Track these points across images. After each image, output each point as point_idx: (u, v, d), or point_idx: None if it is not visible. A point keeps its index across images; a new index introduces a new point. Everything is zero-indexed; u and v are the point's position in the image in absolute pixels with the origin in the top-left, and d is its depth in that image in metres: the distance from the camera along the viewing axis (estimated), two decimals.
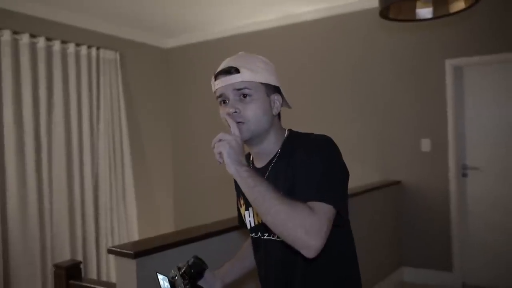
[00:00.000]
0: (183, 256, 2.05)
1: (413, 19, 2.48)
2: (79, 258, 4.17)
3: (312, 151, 1.11)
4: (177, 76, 5.51)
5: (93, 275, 4.24)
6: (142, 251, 1.88)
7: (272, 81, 1.19)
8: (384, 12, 2.40)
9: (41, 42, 3.98)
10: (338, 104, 4.47)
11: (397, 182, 4.12)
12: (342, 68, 4.45)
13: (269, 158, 1.22)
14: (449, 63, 3.94)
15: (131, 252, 1.84)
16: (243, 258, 1.44)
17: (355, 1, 4.25)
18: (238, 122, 1.13)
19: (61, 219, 4.08)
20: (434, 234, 4.03)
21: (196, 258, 1.27)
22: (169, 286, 1.22)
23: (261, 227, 1.23)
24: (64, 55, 4.21)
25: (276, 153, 1.21)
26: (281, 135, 1.23)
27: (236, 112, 1.14)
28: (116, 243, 4.53)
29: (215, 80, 1.19)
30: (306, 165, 1.09)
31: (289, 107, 1.28)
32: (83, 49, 4.36)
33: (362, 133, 4.29)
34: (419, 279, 4.07)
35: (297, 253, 1.01)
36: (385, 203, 3.98)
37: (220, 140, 1.04)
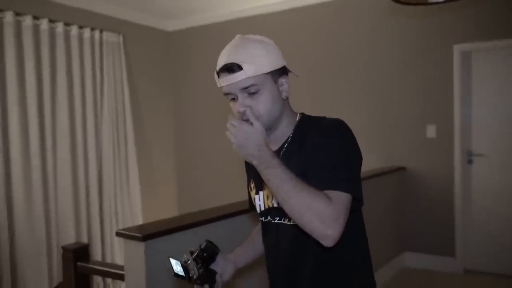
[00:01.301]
0: (191, 239, 2.06)
1: (425, 3, 2.44)
2: (84, 240, 4.20)
3: (327, 136, 1.09)
4: (181, 59, 5.46)
5: (98, 258, 4.28)
6: (150, 234, 1.89)
7: (276, 64, 1.14)
8: None
9: (44, 24, 3.93)
10: (344, 89, 4.44)
11: (402, 168, 4.12)
12: (348, 53, 4.40)
13: (281, 142, 1.20)
14: (457, 48, 3.89)
15: (140, 235, 1.85)
16: (254, 242, 1.44)
17: None
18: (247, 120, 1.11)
19: (66, 202, 4.09)
20: (438, 220, 4.04)
21: (208, 241, 1.26)
22: (182, 270, 1.22)
23: (272, 210, 1.22)
24: (67, 37, 4.16)
25: (288, 137, 1.19)
26: (293, 118, 1.21)
27: (245, 110, 1.11)
28: (120, 226, 4.55)
29: (218, 77, 1.16)
30: (320, 150, 1.07)
31: (296, 75, 1.26)
32: (86, 32, 4.32)
33: (368, 119, 4.27)
34: (421, 264, 4.10)
35: (309, 237, 1.01)
36: (389, 189, 3.98)
37: (229, 128, 1.04)
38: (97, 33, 4.42)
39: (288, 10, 4.64)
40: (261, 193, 1.26)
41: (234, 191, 5.01)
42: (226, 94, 1.15)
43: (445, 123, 3.97)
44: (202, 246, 1.25)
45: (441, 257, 4.02)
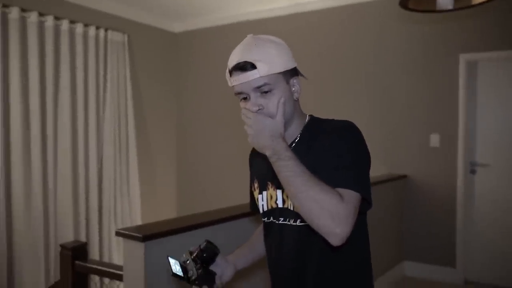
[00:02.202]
0: (192, 241, 2.03)
1: (433, 10, 2.43)
2: (82, 239, 4.17)
3: (337, 137, 1.09)
4: (185, 61, 5.45)
5: (96, 257, 4.24)
6: (151, 235, 1.86)
7: (288, 64, 1.13)
8: (404, 2, 2.35)
9: (49, 20, 3.92)
10: (347, 94, 4.42)
11: (404, 176, 4.09)
12: (353, 58, 4.39)
13: (289, 142, 1.18)
14: (463, 58, 3.88)
15: (140, 235, 1.82)
16: (255, 244, 1.42)
17: None
18: None
19: (65, 200, 4.06)
20: (439, 230, 4.01)
21: (208, 242, 1.24)
22: (180, 270, 1.20)
23: (275, 211, 1.21)
24: (72, 35, 4.15)
25: (296, 137, 1.19)
26: (302, 119, 1.21)
27: (260, 109, 1.10)
28: (119, 226, 4.52)
29: (230, 76, 1.15)
30: (331, 151, 1.07)
31: (305, 78, 1.25)
32: (91, 30, 4.31)
33: (371, 125, 4.24)
34: (421, 274, 4.06)
35: (314, 239, 1.00)
36: (390, 197, 3.95)
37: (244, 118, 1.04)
38: (102, 32, 4.42)
39: (294, 14, 4.63)
40: (264, 193, 1.25)
41: (235, 194, 4.99)
42: (238, 93, 1.14)
43: (449, 132, 3.95)
44: (202, 246, 1.23)
45: (441, 267, 3.99)
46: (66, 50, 4.07)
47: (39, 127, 3.85)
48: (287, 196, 1.17)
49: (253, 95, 1.11)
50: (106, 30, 4.47)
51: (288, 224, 1.17)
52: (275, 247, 1.24)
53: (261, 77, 1.08)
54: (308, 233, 1.02)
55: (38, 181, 3.83)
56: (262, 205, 1.26)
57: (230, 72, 1.14)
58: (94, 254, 4.25)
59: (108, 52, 4.50)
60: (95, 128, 4.35)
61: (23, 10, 3.74)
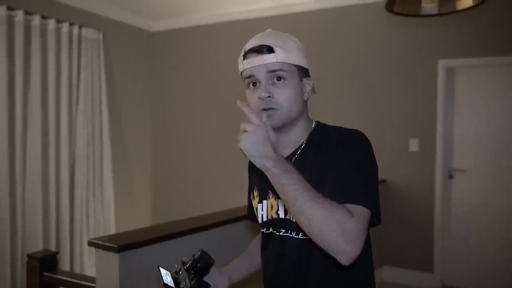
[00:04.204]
0: (171, 251, 1.93)
1: (418, 14, 2.40)
2: (52, 248, 3.96)
3: (349, 147, 1.04)
4: (162, 61, 5.31)
5: (66, 267, 4.04)
6: (126, 245, 1.76)
7: (303, 62, 1.11)
8: (390, 6, 2.31)
9: (19, 15, 3.73)
10: (327, 97, 4.38)
11: (383, 181, 4.08)
12: (335, 61, 4.36)
13: (294, 148, 1.13)
14: (441, 63, 3.90)
15: (115, 246, 1.71)
16: (253, 255, 1.34)
17: None
18: (270, 108, 1.04)
19: (34, 206, 3.84)
20: (417, 235, 4.01)
21: (203, 251, 1.17)
22: (172, 281, 1.12)
23: (276, 222, 1.14)
24: (43, 31, 3.96)
25: (302, 144, 1.12)
26: (309, 124, 1.15)
27: (269, 97, 1.04)
28: (92, 234, 4.33)
29: (244, 59, 1.10)
30: (341, 160, 1.01)
31: (313, 91, 1.19)
32: (65, 26, 4.12)
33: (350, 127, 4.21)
34: (399, 279, 4.06)
35: (317, 253, 0.94)
36: None
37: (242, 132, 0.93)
38: (76, 29, 4.23)
39: (277, 16, 4.57)
40: (264, 202, 1.18)
41: (212, 199, 4.89)
42: (248, 77, 1.08)
43: (428, 137, 3.96)
44: (196, 256, 1.16)
45: (419, 272, 4.00)
46: (37, 46, 3.87)
47: (6, 127, 3.64)
48: None
49: (264, 81, 1.05)
50: (80, 26, 4.29)
51: (290, 236, 1.11)
52: (273, 260, 1.16)
53: (277, 62, 1.04)
54: (311, 246, 0.96)
55: (4, 184, 3.62)
56: (262, 215, 1.19)
57: (244, 56, 1.10)
58: (64, 264, 4.05)
59: (82, 50, 4.31)
60: (67, 129, 4.15)
61: None
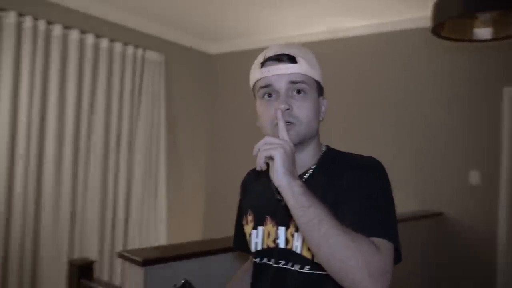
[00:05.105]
0: (196, 268, 1.95)
1: (469, 39, 2.27)
2: (106, 257, 4.19)
3: (369, 174, 0.95)
4: (221, 83, 5.48)
5: (118, 277, 4.22)
6: (152, 259, 1.80)
7: (321, 78, 1.05)
8: (437, 30, 2.22)
9: (89, 38, 4.06)
10: (378, 123, 4.23)
11: (439, 214, 3.82)
12: (386, 86, 4.22)
13: (301, 172, 1.03)
14: (507, 91, 3.63)
15: (140, 260, 1.76)
16: (242, 286, 1.25)
17: (407, 19, 4.04)
18: (288, 122, 0.95)
19: (92, 216, 4.11)
20: (476, 275, 3.68)
21: (186, 281, 1.14)
22: None
23: (273, 252, 1.04)
24: (110, 53, 4.27)
25: (310, 168, 1.03)
26: (319, 148, 1.07)
27: (288, 109, 0.95)
28: (144, 243, 4.51)
29: (261, 67, 1.02)
30: (360, 189, 0.92)
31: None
32: (130, 49, 4.42)
33: (400, 156, 4.01)
34: None
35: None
36: (422, 236, 3.68)
37: (268, 143, 0.86)
38: (140, 51, 4.53)
39: (330, 40, 4.54)
40: (260, 228, 1.08)
41: None
42: (264, 87, 1.00)
43: (491, 170, 3.67)
44: (178, 286, 1.13)
45: None
46: (104, 66, 4.19)
47: (71, 142, 3.94)
48: (291, 235, 1.00)
49: (284, 92, 0.97)
50: (144, 49, 4.58)
51: (291, 269, 0.98)
52: None
53: (301, 73, 0.97)
54: (320, 283, 0.87)
55: (67, 196, 3.90)
56: (256, 242, 1.09)
57: (262, 64, 1.02)
58: (117, 274, 4.23)
59: (144, 71, 4.59)
60: (127, 146, 4.42)
61: (65, 27, 3.88)
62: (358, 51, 4.40)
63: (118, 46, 4.32)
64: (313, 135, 1.02)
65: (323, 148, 1.08)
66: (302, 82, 0.97)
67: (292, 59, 0.97)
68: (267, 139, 0.86)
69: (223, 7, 4.08)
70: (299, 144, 0.99)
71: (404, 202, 3.83)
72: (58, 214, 3.86)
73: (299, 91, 0.98)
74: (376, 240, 0.83)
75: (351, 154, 1.04)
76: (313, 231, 0.79)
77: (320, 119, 1.04)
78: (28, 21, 3.61)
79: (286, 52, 0.98)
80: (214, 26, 4.72)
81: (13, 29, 3.52)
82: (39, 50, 3.70)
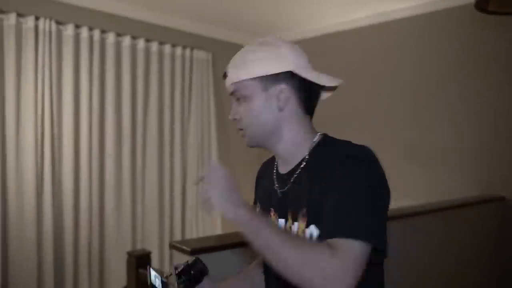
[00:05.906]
0: (243, 257, 2.02)
1: None
2: (165, 248, 4.42)
3: (348, 169, 0.91)
4: None
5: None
6: (199, 249, 1.89)
7: (269, 69, 1.01)
8: (481, 4, 2.11)
9: (140, 43, 4.28)
10: (434, 104, 4.04)
11: (501, 199, 3.59)
12: (437, 67, 4.02)
13: (293, 164, 1.06)
14: None
15: (188, 249, 1.86)
16: (254, 276, 1.29)
17: None
18: (240, 129, 1.09)
19: (151, 210, 4.36)
20: None
21: (197, 259, 1.16)
22: (160, 284, 1.11)
23: None
24: (160, 55, 4.47)
25: (302, 161, 1.03)
26: (307, 138, 1.05)
27: (235, 119, 1.09)
28: (200, 235, 4.70)
29: None
30: (341, 187, 0.89)
31: (321, 86, 1.08)
32: (178, 50, 4.60)
33: (457, 138, 3.80)
34: None
35: None
36: (481, 224, 3.44)
37: (204, 188, 0.92)
38: (188, 51, 4.69)
39: (372, 25, 4.41)
40: (281, 221, 1.09)
41: None
42: None
43: None
44: (190, 262, 1.15)
45: None
46: (155, 68, 4.40)
47: (129, 145, 4.19)
48: (290, 228, 1.03)
49: (232, 103, 1.10)
50: (191, 49, 4.73)
51: None
52: (282, 286, 1.09)
53: (231, 84, 1.06)
54: None
55: (128, 188, 4.16)
56: None
57: None
58: (174, 261, 4.45)
59: (193, 70, 4.75)
60: (180, 145, 4.61)
61: (118, 35, 4.12)
62: (401, 34, 4.23)
63: (167, 48, 4.50)
64: (271, 129, 1.03)
65: (316, 138, 1.06)
66: (235, 91, 1.05)
67: (226, 74, 1.08)
68: (199, 175, 0.93)
69: (263, 2, 4.11)
70: (262, 144, 1.07)
71: (460, 188, 3.65)
72: (120, 209, 4.13)
73: (238, 99, 1.06)
74: (335, 241, 0.83)
75: (342, 144, 1.01)
76: (267, 253, 0.85)
77: (278, 108, 1.02)
78: (84, 32, 3.88)
79: (226, 68, 1.08)
80: (259, 20, 4.77)
81: (71, 40, 3.80)
82: (96, 58, 3.97)
